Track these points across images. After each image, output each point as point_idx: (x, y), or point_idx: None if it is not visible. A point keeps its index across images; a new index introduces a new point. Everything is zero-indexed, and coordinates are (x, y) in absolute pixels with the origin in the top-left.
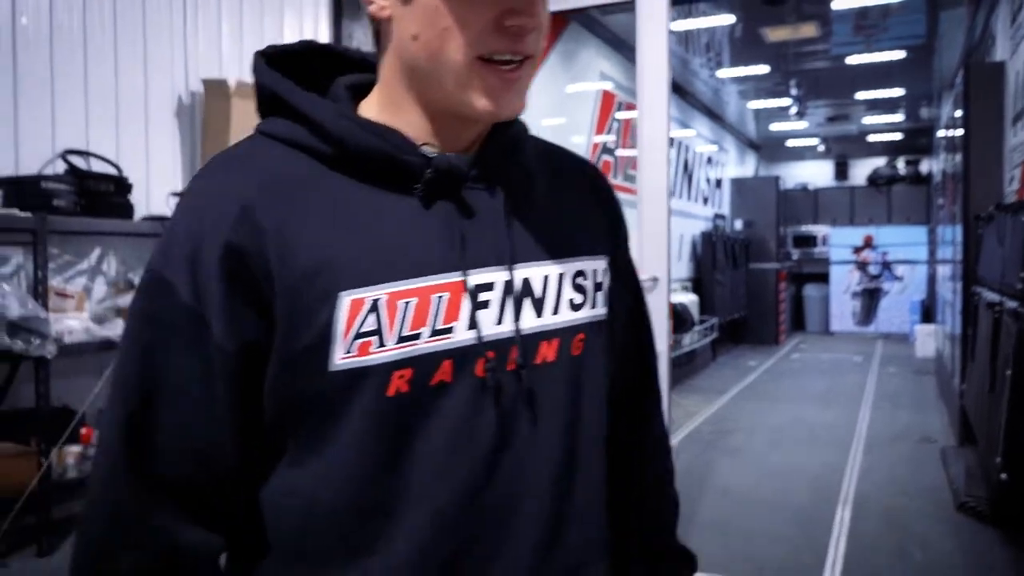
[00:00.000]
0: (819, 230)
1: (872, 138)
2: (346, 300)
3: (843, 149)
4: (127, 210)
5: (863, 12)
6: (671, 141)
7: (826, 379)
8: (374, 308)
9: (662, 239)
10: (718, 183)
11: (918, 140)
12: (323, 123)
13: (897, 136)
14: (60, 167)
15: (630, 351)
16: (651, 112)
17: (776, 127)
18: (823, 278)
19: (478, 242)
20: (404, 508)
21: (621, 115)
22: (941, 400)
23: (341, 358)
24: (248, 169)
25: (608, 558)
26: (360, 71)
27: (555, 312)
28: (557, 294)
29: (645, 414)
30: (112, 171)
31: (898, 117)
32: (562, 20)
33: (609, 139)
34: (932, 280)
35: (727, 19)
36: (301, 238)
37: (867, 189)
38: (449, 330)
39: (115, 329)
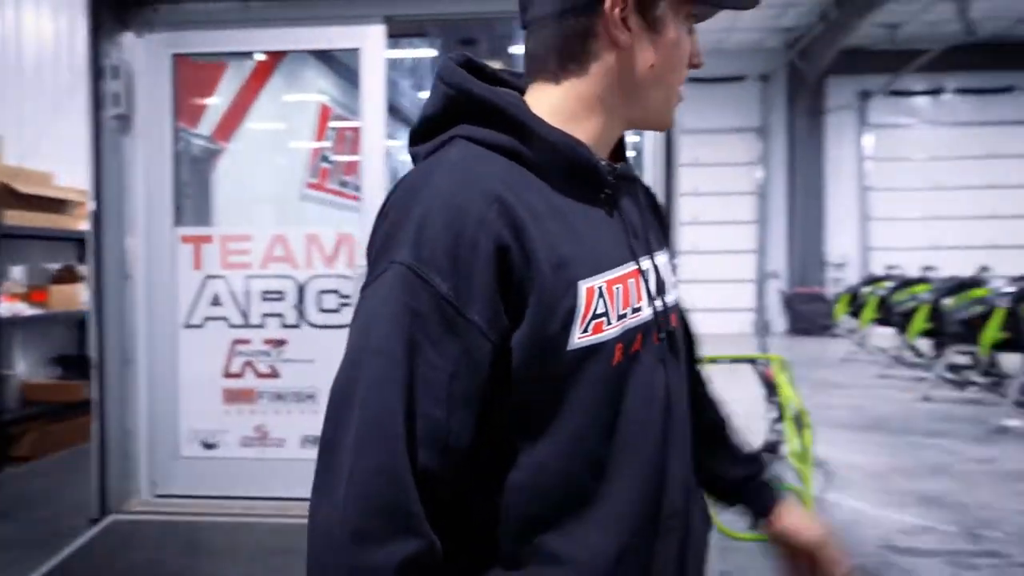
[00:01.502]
0: None
1: None
2: (584, 288)
3: None
4: None
5: None
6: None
7: None
8: (601, 294)
9: None
10: None
11: None
12: (538, 131)
13: None
14: None
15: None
16: (371, 131)
17: None
18: None
19: (634, 236)
20: (619, 459)
21: (335, 125)
22: None
23: (579, 337)
24: (483, 171)
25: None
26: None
27: (669, 293)
28: (669, 278)
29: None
30: None
31: None
32: None
33: (326, 146)
34: None
35: (431, 52)
36: (542, 235)
37: None
38: (639, 308)
39: None
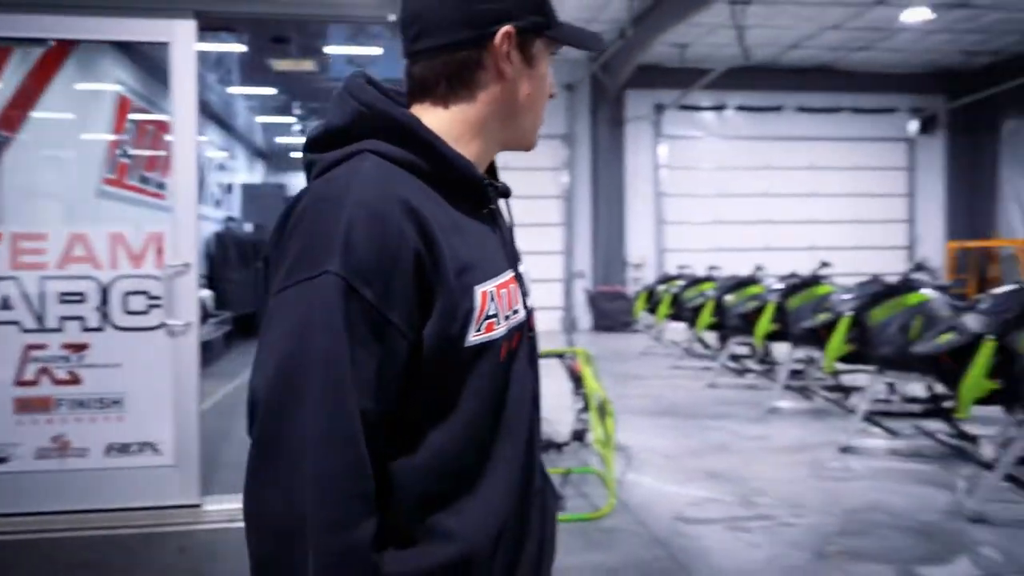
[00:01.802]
0: None
1: None
2: (479, 292)
3: None
4: None
5: (350, 58)
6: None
7: None
8: (492, 297)
9: (192, 230)
10: (229, 188)
11: None
12: (441, 150)
13: None
14: None
15: None
16: (183, 128)
17: (282, 140)
18: None
19: (508, 246)
20: (501, 443)
21: (135, 117)
22: None
23: (474, 335)
24: (397, 185)
25: None
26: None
27: (529, 297)
28: (528, 285)
29: None
30: None
31: None
32: None
33: (124, 139)
34: None
35: (241, 47)
36: (447, 244)
37: None
38: (517, 311)
39: None
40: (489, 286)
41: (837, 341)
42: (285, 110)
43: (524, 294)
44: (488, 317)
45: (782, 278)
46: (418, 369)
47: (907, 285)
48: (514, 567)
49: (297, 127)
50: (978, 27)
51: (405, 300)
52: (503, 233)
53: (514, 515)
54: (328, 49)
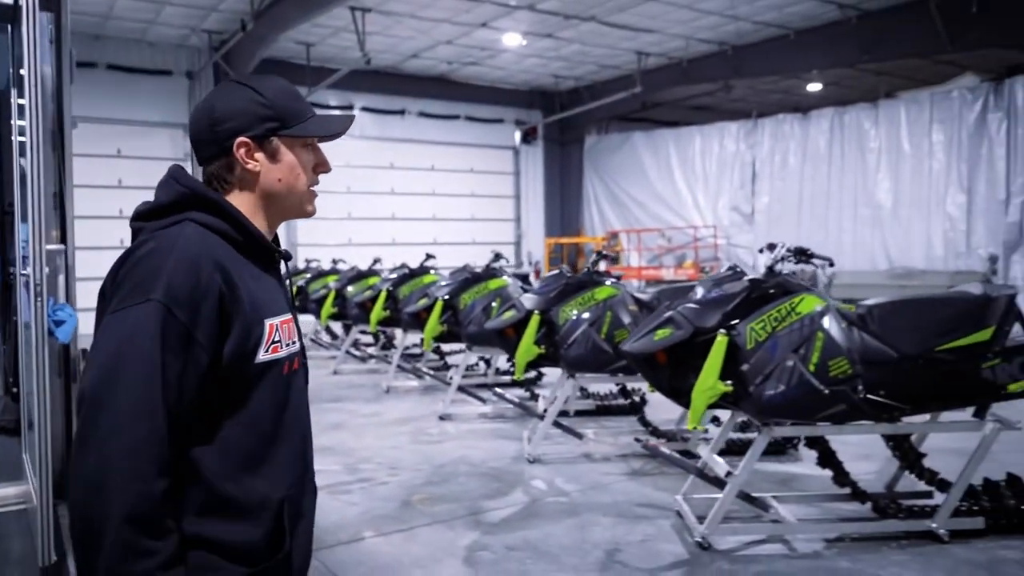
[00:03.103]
0: None
1: None
2: (267, 324)
3: None
4: None
5: None
6: None
7: None
8: (277, 328)
9: None
10: None
11: None
12: (244, 223)
13: None
14: None
15: None
16: None
17: None
18: None
19: (287, 296)
20: (286, 431)
21: None
22: None
23: (263, 355)
24: (209, 244)
25: None
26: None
27: (302, 336)
28: (300, 327)
29: None
30: None
31: None
32: None
33: None
34: None
35: None
36: (244, 288)
37: None
38: (294, 342)
39: None
40: (275, 321)
41: (433, 323)
42: None
43: (299, 333)
44: (274, 342)
45: (393, 269)
46: (217, 376)
47: (490, 272)
48: (291, 536)
49: None
50: (561, 56)
51: (209, 325)
52: (284, 287)
53: (296, 491)
54: None
